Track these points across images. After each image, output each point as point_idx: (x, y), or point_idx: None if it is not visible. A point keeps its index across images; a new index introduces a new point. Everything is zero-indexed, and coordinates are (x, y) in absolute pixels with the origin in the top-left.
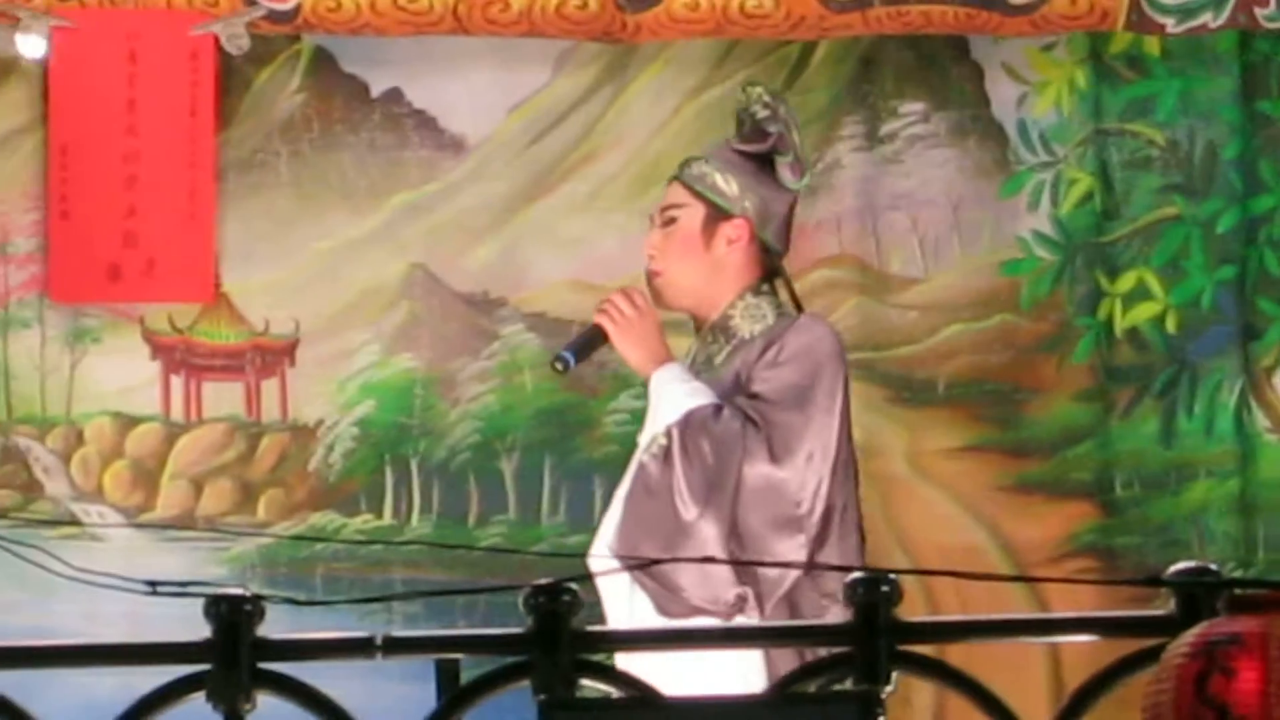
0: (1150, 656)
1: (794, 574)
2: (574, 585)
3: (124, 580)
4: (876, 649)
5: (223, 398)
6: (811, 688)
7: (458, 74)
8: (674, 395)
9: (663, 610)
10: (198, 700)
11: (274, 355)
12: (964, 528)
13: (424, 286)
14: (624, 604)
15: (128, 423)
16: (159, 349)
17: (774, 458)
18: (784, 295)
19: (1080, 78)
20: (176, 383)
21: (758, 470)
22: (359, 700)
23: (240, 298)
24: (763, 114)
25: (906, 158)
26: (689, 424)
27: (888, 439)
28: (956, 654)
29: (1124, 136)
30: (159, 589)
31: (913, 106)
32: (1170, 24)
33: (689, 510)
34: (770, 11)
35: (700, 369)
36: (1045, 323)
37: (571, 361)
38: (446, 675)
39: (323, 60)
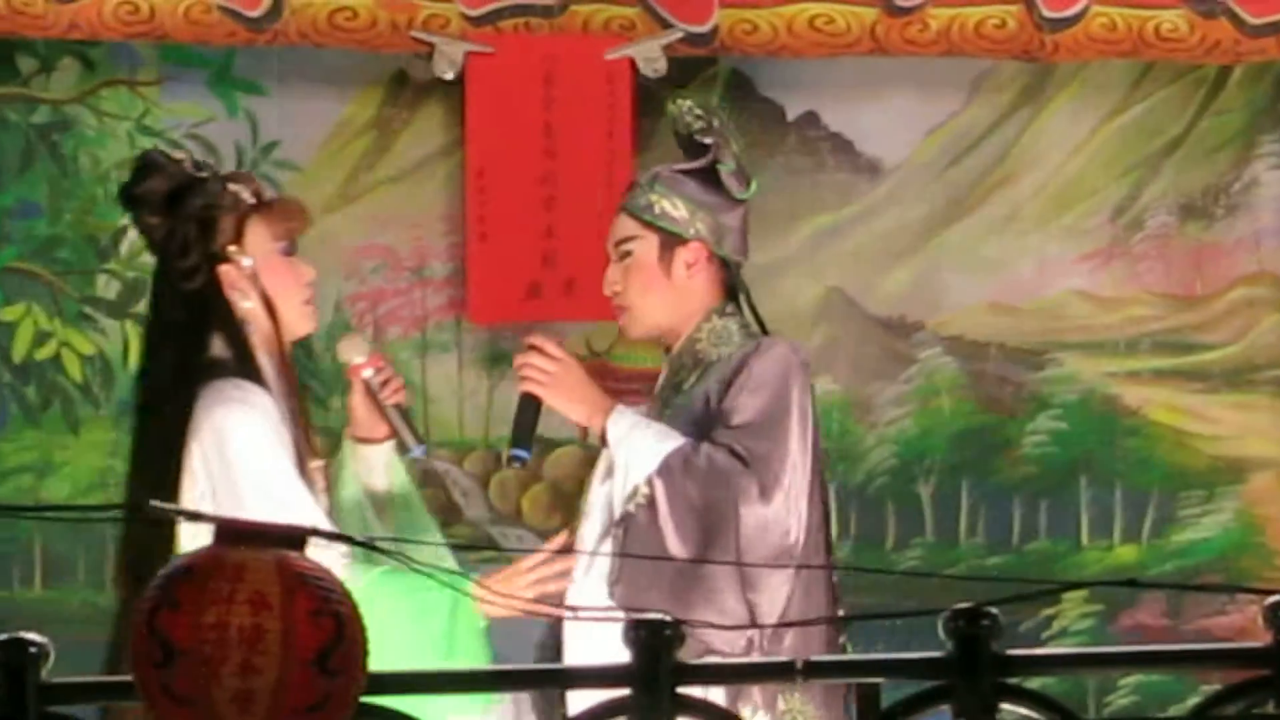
0: None
1: (786, 606)
2: (994, 609)
3: (546, 604)
4: None
5: None
6: (1231, 711)
7: (874, 97)
8: (642, 442)
9: None
10: None
11: None
12: None
13: (841, 310)
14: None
15: (545, 446)
16: None
17: (764, 493)
18: (748, 313)
19: None
20: None
21: (752, 510)
22: None
23: None
24: (697, 126)
25: None
26: (670, 469)
27: None
28: None
29: None
30: (579, 614)
31: None
32: None
33: (685, 553)
34: (1185, 35)
35: (669, 395)
36: None
37: (527, 456)
38: (866, 699)
39: (739, 83)
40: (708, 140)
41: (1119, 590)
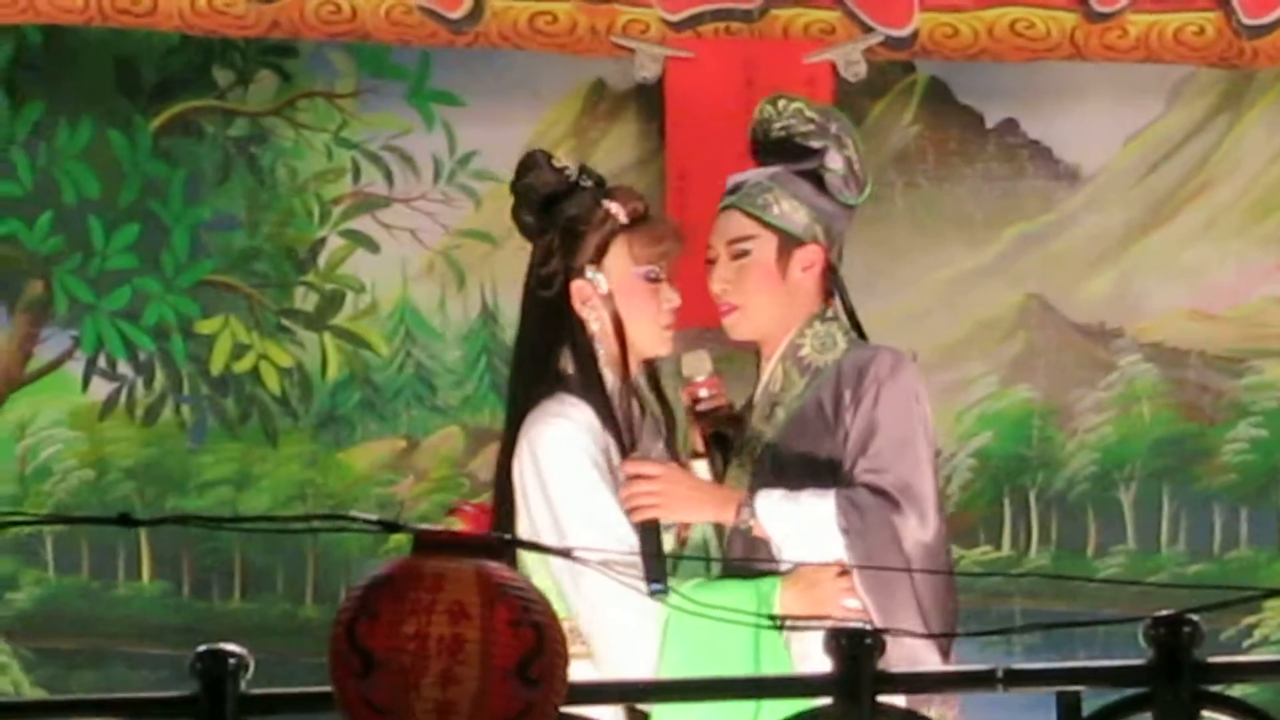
0: None
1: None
2: (1195, 616)
3: (750, 616)
4: None
5: None
6: None
7: (1072, 105)
8: (810, 518)
9: None
10: None
11: None
12: None
13: (1040, 317)
14: None
15: None
16: None
17: (922, 521)
18: (844, 317)
19: None
20: None
21: (917, 542)
22: None
23: None
24: (804, 129)
25: None
26: (849, 531)
27: None
28: None
29: None
30: (779, 623)
31: None
32: None
33: (874, 598)
34: None
35: (775, 400)
36: None
37: (664, 589)
38: (1068, 707)
39: (937, 92)
40: (816, 144)
41: None
